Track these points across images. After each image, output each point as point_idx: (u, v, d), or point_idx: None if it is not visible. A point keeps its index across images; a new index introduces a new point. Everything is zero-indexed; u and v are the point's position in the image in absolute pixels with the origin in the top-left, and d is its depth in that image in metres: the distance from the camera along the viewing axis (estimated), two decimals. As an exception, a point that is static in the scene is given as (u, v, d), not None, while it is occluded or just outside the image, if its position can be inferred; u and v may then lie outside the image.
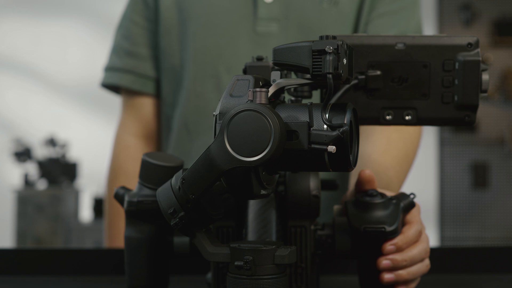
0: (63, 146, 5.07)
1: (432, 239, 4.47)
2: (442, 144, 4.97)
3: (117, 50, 1.36)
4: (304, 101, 0.80)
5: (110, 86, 1.38)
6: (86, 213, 5.21)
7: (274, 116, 0.65)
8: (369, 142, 1.14)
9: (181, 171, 0.73)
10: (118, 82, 1.35)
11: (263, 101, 0.67)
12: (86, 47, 5.36)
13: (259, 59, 0.81)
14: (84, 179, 5.17)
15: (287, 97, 0.81)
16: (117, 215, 1.30)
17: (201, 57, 1.26)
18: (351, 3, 1.25)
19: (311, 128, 0.67)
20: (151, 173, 0.83)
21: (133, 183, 0.91)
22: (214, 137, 0.67)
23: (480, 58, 0.81)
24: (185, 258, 0.85)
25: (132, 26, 1.34)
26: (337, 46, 0.66)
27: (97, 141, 4.84)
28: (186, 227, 0.74)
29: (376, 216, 0.82)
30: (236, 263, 0.70)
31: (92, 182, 5.01)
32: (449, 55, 0.82)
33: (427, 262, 0.87)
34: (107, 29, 2.81)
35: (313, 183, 0.82)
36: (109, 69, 1.37)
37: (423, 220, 0.88)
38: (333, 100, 0.80)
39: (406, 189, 1.00)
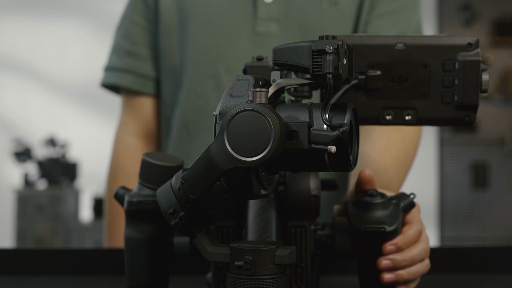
0: (63, 146, 5.07)
1: (432, 239, 4.47)
2: (442, 144, 4.97)
3: (117, 50, 1.36)
4: (304, 101, 0.80)
5: (110, 86, 1.38)
6: (86, 213, 5.21)
7: (274, 116, 0.65)
8: (369, 142, 1.14)
9: (181, 171, 0.73)
10: (118, 82, 1.35)
11: (263, 101, 0.67)
12: (86, 47, 5.36)
13: (259, 59, 0.81)
14: (84, 179, 5.17)
15: (287, 97, 0.81)
16: (117, 215, 1.30)
17: (201, 57, 1.26)
18: (351, 3, 1.25)
19: (311, 128, 0.67)
20: (151, 173, 0.83)
21: (133, 183, 0.91)
22: (214, 137, 0.67)
23: (480, 58, 0.81)
24: (185, 258, 0.85)
25: (132, 26, 1.34)
26: (337, 46, 0.66)
27: (97, 141, 4.84)
28: (186, 227, 0.74)
29: (376, 216, 0.82)
30: (236, 263, 0.70)
31: (92, 182, 5.01)
32: (449, 55, 0.82)
33: (427, 262, 0.87)
34: (107, 29, 2.81)
35: (313, 183, 0.82)
36: (109, 69, 1.37)
37: (423, 220, 0.88)
38: (333, 100, 0.80)
39: (406, 189, 1.00)
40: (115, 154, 1.36)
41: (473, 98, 0.81)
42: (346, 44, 0.68)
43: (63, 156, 5.04)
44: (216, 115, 0.69)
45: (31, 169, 5.05)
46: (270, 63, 0.80)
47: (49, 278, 1.09)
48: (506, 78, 4.94)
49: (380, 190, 0.86)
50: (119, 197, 0.85)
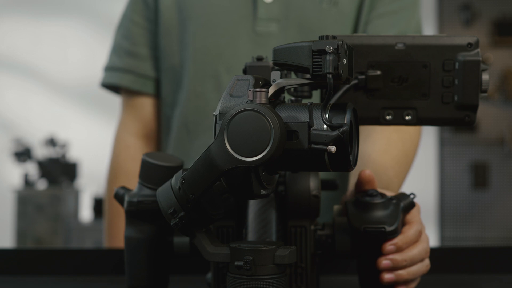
0: (63, 146, 5.07)
1: (432, 239, 4.47)
2: (442, 144, 4.97)
3: (117, 50, 1.36)
4: (304, 101, 0.80)
5: (110, 86, 1.38)
6: (86, 213, 5.21)
7: (274, 116, 0.65)
8: (369, 142, 1.14)
9: (181, 171, 0.73)
10: (118, 82, 1.35)
11: (263, 101, 0.67)
12: (86, 47, 5.36)
13: (259, 59, 0.81)
14: (84, 179, 5.17)
15: (287, 97, 0.81)
16: (117, 215, 1.30)
17: (201, 57, 1.26)
18: (351, 3, 1.25)
19: (311, 128, 0.67)
20: (151, 173, 0.83)
21: (133, 183, 0.91)
22: (214, 137, 0.67)
23: (480, 58, 0.81)
24: (185, 258, 0.85)
25: (132, 26, 1.34)
26: (337, 46, 0.66)
27: (97, 141, 4.84)
28: (186, 227, 0.74)
29: (376, 216, 0.82)
30: (236, 263, 0.70)
31: (92, 182, 5.01)
32: (449, 55, 0.82)
33: (427, 262, 0.87)
34: (107, 29, 2.81)
35: (313, 183, 0.82)
36: (109, 69, 1.37)
37: (423, 220, 0.88)
38: (333, 100, 0.80)
39: (406, 189, 1.00)
40: (115, 154, 1.36)
41: (473, 98, 0.81)
42: (346, 44, 0.68)
43: (63, 156, 5.04)
44: (216, 115, 0.69)
45: (31, 169, 5.05)
46: (270, 63, 0.80)
47: (49, 278, 1.09)
48: (506, 78, 4.94)
49: (380, 190, 0.86)
50: (119, 197, 0.85)
